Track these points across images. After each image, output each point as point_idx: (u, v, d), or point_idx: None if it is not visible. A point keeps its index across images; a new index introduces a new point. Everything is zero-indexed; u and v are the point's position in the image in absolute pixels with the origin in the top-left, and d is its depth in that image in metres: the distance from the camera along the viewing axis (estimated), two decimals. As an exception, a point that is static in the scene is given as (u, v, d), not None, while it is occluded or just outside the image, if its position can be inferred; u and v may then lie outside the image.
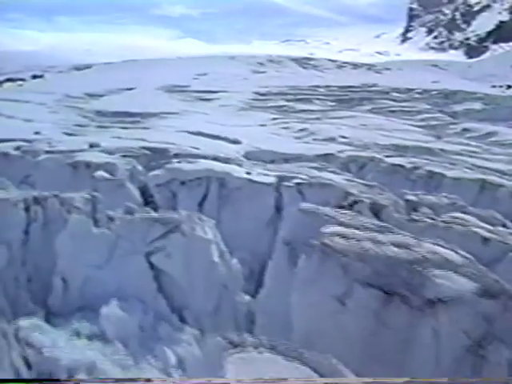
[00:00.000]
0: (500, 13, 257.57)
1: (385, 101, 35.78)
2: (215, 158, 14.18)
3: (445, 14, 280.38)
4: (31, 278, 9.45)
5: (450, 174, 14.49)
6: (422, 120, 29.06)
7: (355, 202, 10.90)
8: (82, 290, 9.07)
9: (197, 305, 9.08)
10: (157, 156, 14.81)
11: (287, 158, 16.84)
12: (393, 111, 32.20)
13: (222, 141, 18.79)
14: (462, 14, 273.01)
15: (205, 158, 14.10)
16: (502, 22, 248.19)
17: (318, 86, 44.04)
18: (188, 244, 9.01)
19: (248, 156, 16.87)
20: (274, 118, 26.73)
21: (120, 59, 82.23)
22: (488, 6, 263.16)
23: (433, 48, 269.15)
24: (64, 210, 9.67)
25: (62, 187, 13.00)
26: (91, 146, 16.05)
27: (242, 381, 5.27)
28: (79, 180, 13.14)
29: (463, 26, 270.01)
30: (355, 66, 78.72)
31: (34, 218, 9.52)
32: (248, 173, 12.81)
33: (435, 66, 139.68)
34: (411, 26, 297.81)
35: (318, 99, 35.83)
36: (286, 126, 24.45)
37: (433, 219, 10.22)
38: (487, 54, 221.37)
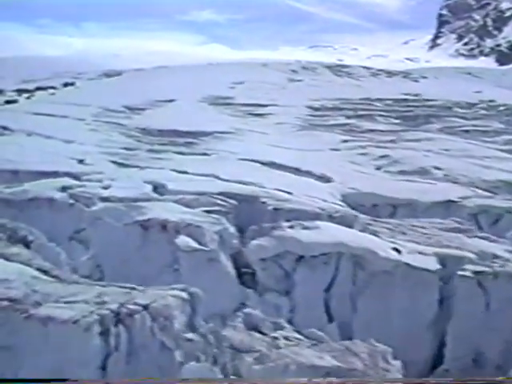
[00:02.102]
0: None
1: (453, 118, 32.38)
2: (330, 216, 10.77)
3: (475, 20, 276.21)
4: None
5: None
6: (506, 143, 25.52)
7: None
8: None
9: None
10: (247, 208, 11.47)
11: (395, 205, 13.51)
12: (467, 131, 28.77)
13: (307, 176, 15.52)
14: (493, 20, 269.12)
15: (316, 216, 10.64)
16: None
17: (369, 99, 40.76)
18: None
19: (346, 200, 13.58)
20: (344, 141, 23.48)
21: (149, 65, 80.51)
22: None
23: (463, 55, 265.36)
24: (157, 329, 6.33)
25: (129, 254, 9.87)
26: (155, 187, 12.83)
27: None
28: (153, 247, 9.85)
29: (494, 32, 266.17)
30: (390, 73, 75.30)
31: (114, 345, 6.14)
32: (397, 250, 9.30)
33: (468, 73, 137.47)
34: (441, 33, 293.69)
35: (379, 115, 32.46)
36: (362, 151, 21.15)
37: None
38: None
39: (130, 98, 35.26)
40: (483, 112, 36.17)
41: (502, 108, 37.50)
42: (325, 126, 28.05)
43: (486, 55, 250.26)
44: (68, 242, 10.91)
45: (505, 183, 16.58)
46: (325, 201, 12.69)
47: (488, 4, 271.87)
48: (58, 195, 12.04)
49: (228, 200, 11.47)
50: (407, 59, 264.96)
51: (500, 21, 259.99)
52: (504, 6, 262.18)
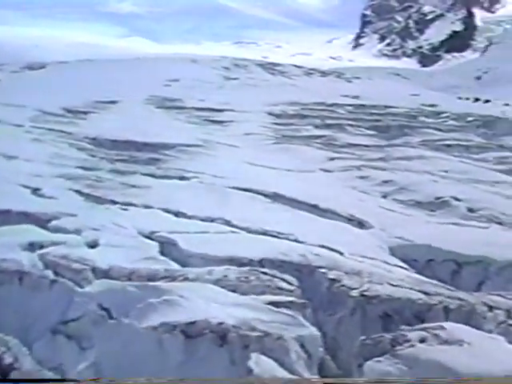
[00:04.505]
0: (453, 22, 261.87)
1: (426, 130, 29.85)
2: (445, 308, 7.43)
3: (398, 22, 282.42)
4: None
5: None
6: (499, 162, 22.91)
7: None
8: None
9: None
10: (310, 289, 8.12)
11: (460, 262, 10.50)
12: (449, 145, 26.19)
13: (332, 218, 12.34)
14: (416, 22, 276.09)
15: (427, 308, 7.32)
16: (455, 31, 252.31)
17: (324, 104, 38.02)
18: None
19: (396, 254, 10.55)
20: (331, 158, 20.63)
21: (71, 57, 77.06)
22: (441, 16, 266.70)
23: (386, 55, 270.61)
24: None
25: (162, 369, 6.50)
26: (161, 243, 9.36)
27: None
28: (205, 364, 6.33)
29: (416, 34, 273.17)
30: (323, 73, 73.44)
31: None
32: None
33: (397, 74, 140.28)
34: (364, 33, 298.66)
35: (347, 125, 29.62)
36: (359, 173, 18.28)
37: None
38: (440, 63, 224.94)
39: (67, 98, 31.39)
40: (452, 122, 33.97)
41: (470, 119, 35.40)
42: (298, 137, 25.03)
43: (409, 56, 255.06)
44: (51, 337, 7.36)
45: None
46: (386, 263, 9.60)
47: (410, 6, 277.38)
48: (28, 262, 8.26)
49: (289, 279, 7.99)
50: (331, 58, 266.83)
51: (422, 23, 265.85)
52: (426, 9, 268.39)
